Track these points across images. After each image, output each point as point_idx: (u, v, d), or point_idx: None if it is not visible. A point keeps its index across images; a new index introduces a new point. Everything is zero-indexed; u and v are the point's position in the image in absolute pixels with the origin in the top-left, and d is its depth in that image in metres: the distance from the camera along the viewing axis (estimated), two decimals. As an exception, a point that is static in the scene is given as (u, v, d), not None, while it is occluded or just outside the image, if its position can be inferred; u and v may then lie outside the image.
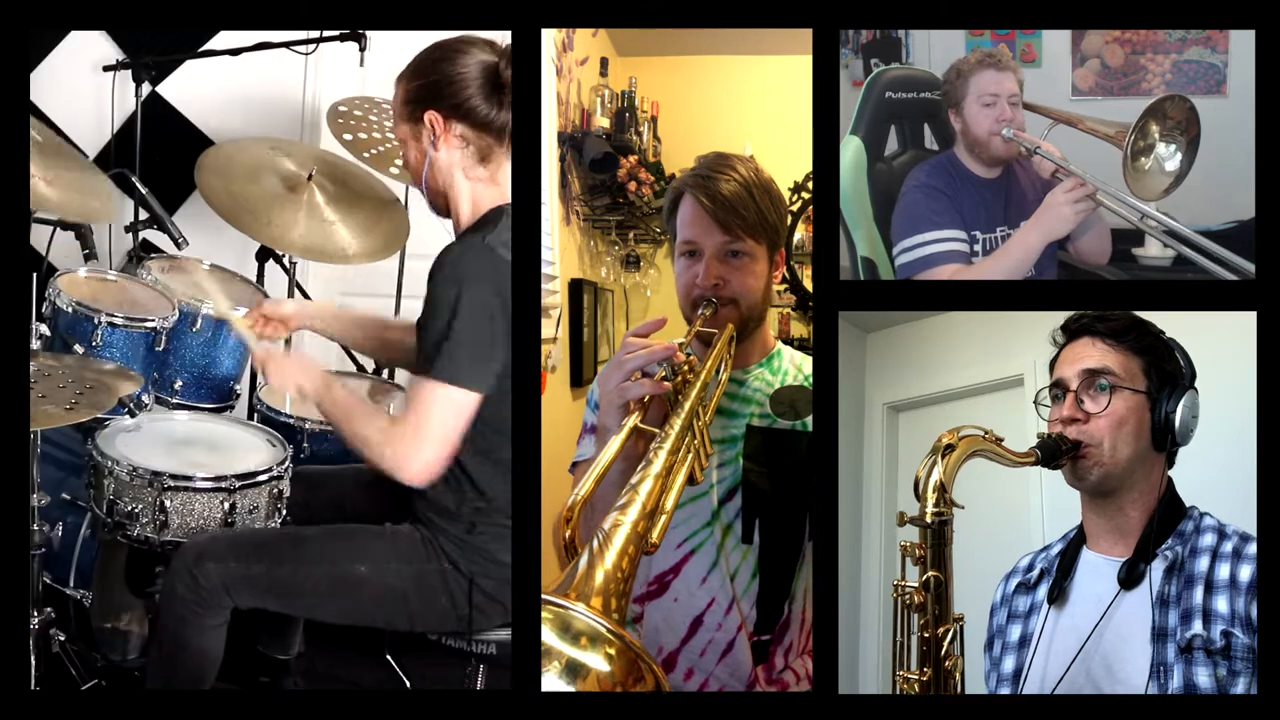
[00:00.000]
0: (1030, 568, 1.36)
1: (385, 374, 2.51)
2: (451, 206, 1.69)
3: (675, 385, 1.23)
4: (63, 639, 1.93)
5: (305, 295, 2.82)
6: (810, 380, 1.50)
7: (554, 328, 3.40)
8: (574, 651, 0.84)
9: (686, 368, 1.26)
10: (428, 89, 1.63)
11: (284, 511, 1.92)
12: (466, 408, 1.57)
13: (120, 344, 2.10)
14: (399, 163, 2.60)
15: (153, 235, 2.77)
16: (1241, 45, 1.89)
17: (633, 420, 1.18)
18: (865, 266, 1.83)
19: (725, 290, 1.43)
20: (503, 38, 1.68)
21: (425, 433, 1.57)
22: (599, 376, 1.30)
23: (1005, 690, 1.31)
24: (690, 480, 1.16)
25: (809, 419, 1.45)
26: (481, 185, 1.67)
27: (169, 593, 1.65)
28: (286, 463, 1.92)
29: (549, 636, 0.86)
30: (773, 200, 1.46)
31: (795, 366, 1.53)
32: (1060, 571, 1.31)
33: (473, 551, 1.66)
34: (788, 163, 4.12)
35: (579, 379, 3.61)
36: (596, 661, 0.84)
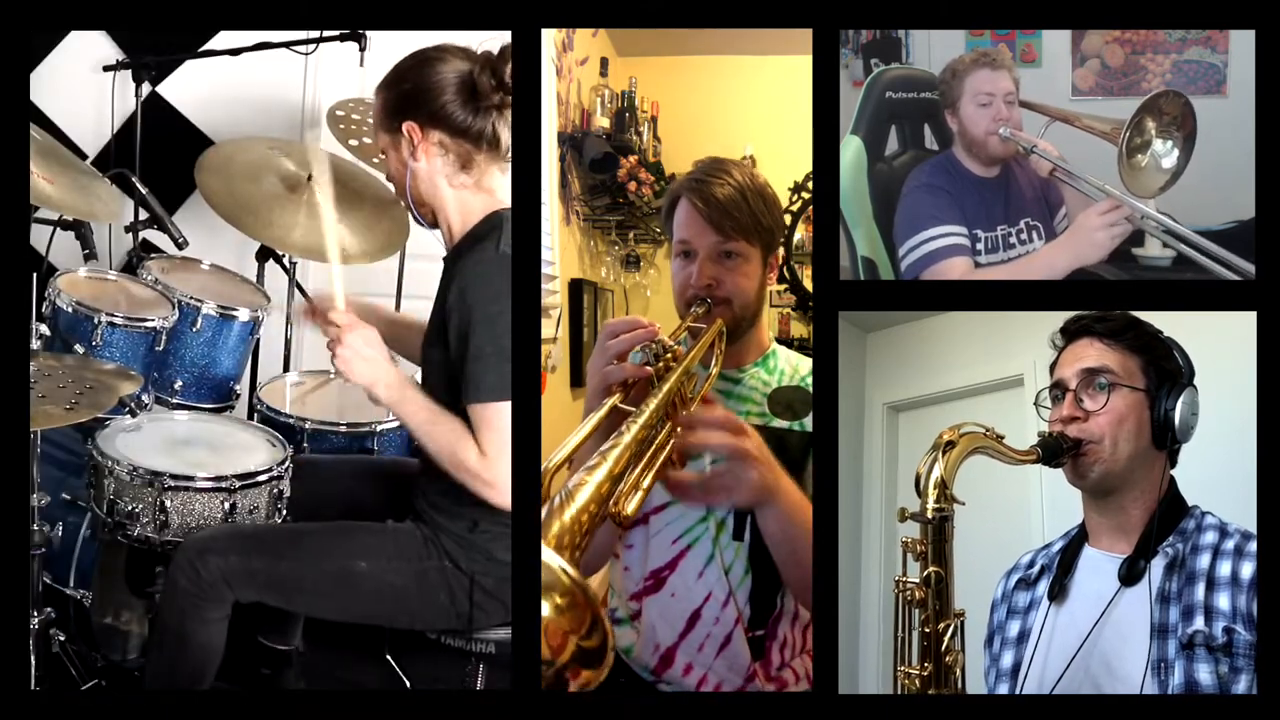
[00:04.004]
0: (1031, 564, 1.37)
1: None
2: (440, 216, 1.69)
3: (657, 370, 1.25)
4: (63, 639, 1.92)
5: (305, 295, 2.81)
6: (806, 380, 1.51)
7: (554, 328, 3.41)
8: None
9: (670, 355, 1.28)
10: (403, 98, 1.64)
11: (284, 511, 1.92)
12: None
13: (120, 344, 2.10)
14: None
15: (153, 235, 2.77)
16: (1241, 45, 1.90)
17: (613, 400, 1.20)
18: (865, 266, 1.83)
19: (719, 290, 1.45)
20: (484, 43, 1.68)
21: (505, 453, 1.57)
22: (588, 367, 1.33)
23: (1004, 686, 1.31)
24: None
25: (806, 419, 1.46)
26: (468, 193, 1.67)
27: (171, 586, 1.65)
28: (286, 462, 1.92)
29: None
30: (766, 203, 1.48)
31: (791, 366, 1.54)
32: (1061, 568, 1.32)
33: (473, 549, 1.66)
34: (788, 163, 4.13)
35: (579, 379, 3.61)
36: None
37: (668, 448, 1.17)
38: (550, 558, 0.82)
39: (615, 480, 1.00)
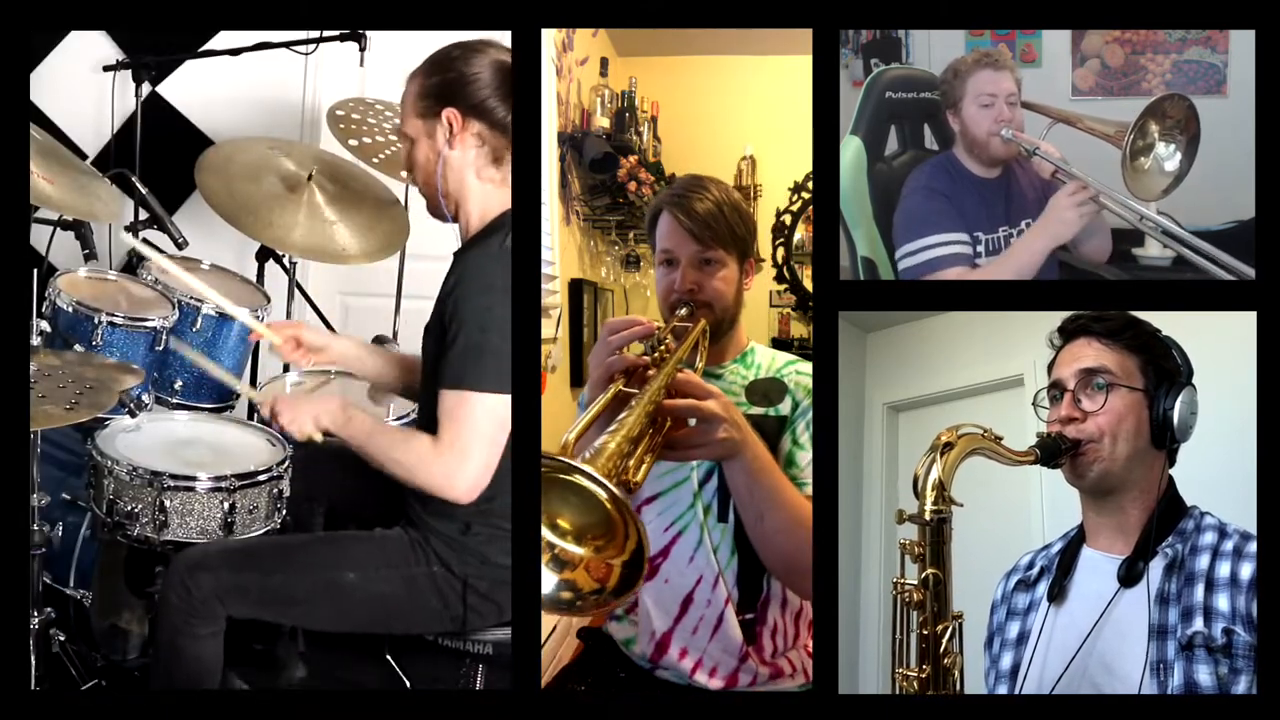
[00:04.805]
0: (1030, 565, 1.37)
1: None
2: (460, 210, 1.69)
3: (654, 359, 1.34)
4: (63, 639, 1.93)
5: (305, 295, 2.82)
6: (781, 372, 1.60)
7: (554, 328, 3.40)
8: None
9: (664, 347, 1.38)
10: (446, 86, 1.64)
11: (284, 511, 1.92)
12: (504, 412, 1.58)
13: (120, 343, 2.10)
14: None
15: (153, 235, 2.77)
16: (1241, 45, 1.90)
17: (616, 385, 1.29)
18: (865, 266, 1.83)
19: (700, 295, 1.56)
20: (504, 37, 1.68)
21: (470, 446, 1.57)
22: (590, 360, 1.41)
23: (1004, 688, 1.31)
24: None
25: (780, 405, 1.55)
26: (492, 188, 1.67)
27: (164, 603, 1.65)
28: (286, 463, 1.92)
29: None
30: (742, 216, 1.60)
31: (768, 360, 1.63)
32: (1060, 569, 1.32)
33: (466, 552, 1.66)
34: (788, 163, 4.12)
35: (579, 379, 3.61)
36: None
37: (665, 428, 1.26)
38: (579, 475, 0.97)
39: (633, 441, 1.12)
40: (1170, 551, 1.22)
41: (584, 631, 1.73)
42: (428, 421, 1.66)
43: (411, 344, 1.93)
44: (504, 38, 1.67)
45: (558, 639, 2.76)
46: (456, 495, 1.58)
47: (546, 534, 1.06)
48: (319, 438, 1.69)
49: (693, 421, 1.28)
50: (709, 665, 1.53)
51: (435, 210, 1.71)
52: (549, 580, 1.05)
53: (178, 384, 2.26)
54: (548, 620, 2.52)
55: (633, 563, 1.01)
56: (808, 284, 4.11)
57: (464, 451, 1.57)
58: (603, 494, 0.98)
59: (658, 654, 1.56)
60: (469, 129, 1.63)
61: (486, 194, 1.67)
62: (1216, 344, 1.44)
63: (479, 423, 1.57)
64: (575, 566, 1.02)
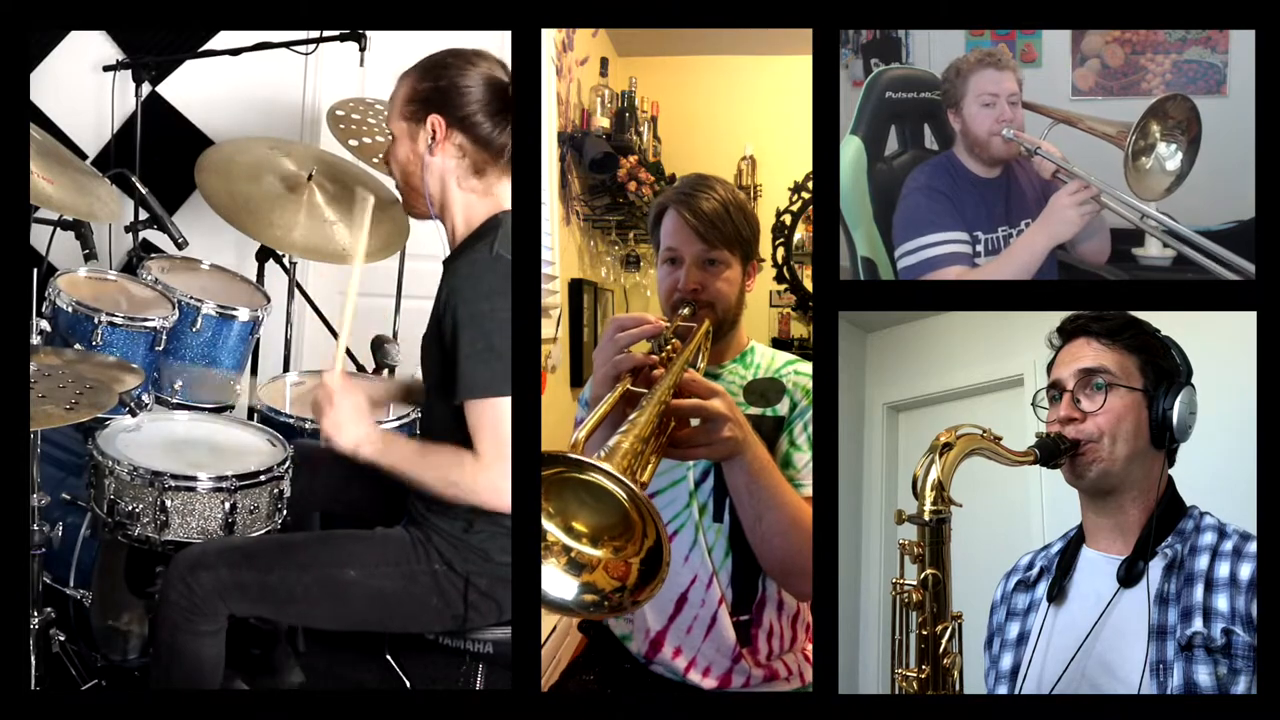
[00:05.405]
0: (1030, 566, 1.37)
1: (385, 374, 2.51)
2: (445, 216, 1.71)
3: (660, 359, 1.35)
4: (63, 639, 1.93)
5: (305, 295, 2.82)
6: (780, 372, 1.60)
7: (554, 328, 3.41)
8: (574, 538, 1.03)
9: (670, 346, 1.39)
10: (435, 93, 1.65)
11: (284, 511, 1.92)
12: (510, 412, 1.59)
13: (120, 344, 2.11)
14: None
15: (153, 235, 2.77)
16: (1241, 45, 1.90)
17: (623, 383, 1.30)
18: (865, 266, 1.83)
19: (703, 294, 1.56)
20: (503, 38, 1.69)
21: (504, 451, 1.57)
22: (595, 356, 1.41)
23: (1004, 688, 1.31)
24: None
25: (778, 405, 1.56)
26: (475, 197, 1.68)
27: (164, 601, 1.65)
28: (286, 463, 1.92)
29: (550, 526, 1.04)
30: (746, 217, 1.61)
31: (767, 361, 1.63)
32: (1060, 569, 1.32)
33: (467, 550, 1.66)
34: (788, 163, 4.12)
35: (579, 379, 3.61)
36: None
37: (670, 428, 1.27)
38: (599, 474, 0.97)
39: (645, 440, 1.12)
40: (1170, 552, 1.23)
41: (585, 625, 1.74)
42: (440, 432, 1.67)
43: (411, 344, 1.92)
44: (503, 39, 1.68)
45: (558, 638, 2.76)
46: (501, 505, 1.58)
47: (562, 537, 1.05)
48: (349, 451, 1.65)
49: (695, 421, 1.28)
50: (702, 665, 1.54)
51: (410, 207, 1.72)
52: (570, 586, 1.04)
53: (178, 384, 2.26)
54: (547, 619, 2.52)
55: (649, 559, 1.01)
56: (808, 284, 4.11)
57: (502, 461, 1.57)
58: (622, 493, 0.98)
59: (652, 652, 1.57)
60: (451, 139, 1.65)
61: (470, 203, 1.68)
62: (1216, 344, 1.44)
63: (503, 430, 1.57)
64: (594, 568, 1.03)
